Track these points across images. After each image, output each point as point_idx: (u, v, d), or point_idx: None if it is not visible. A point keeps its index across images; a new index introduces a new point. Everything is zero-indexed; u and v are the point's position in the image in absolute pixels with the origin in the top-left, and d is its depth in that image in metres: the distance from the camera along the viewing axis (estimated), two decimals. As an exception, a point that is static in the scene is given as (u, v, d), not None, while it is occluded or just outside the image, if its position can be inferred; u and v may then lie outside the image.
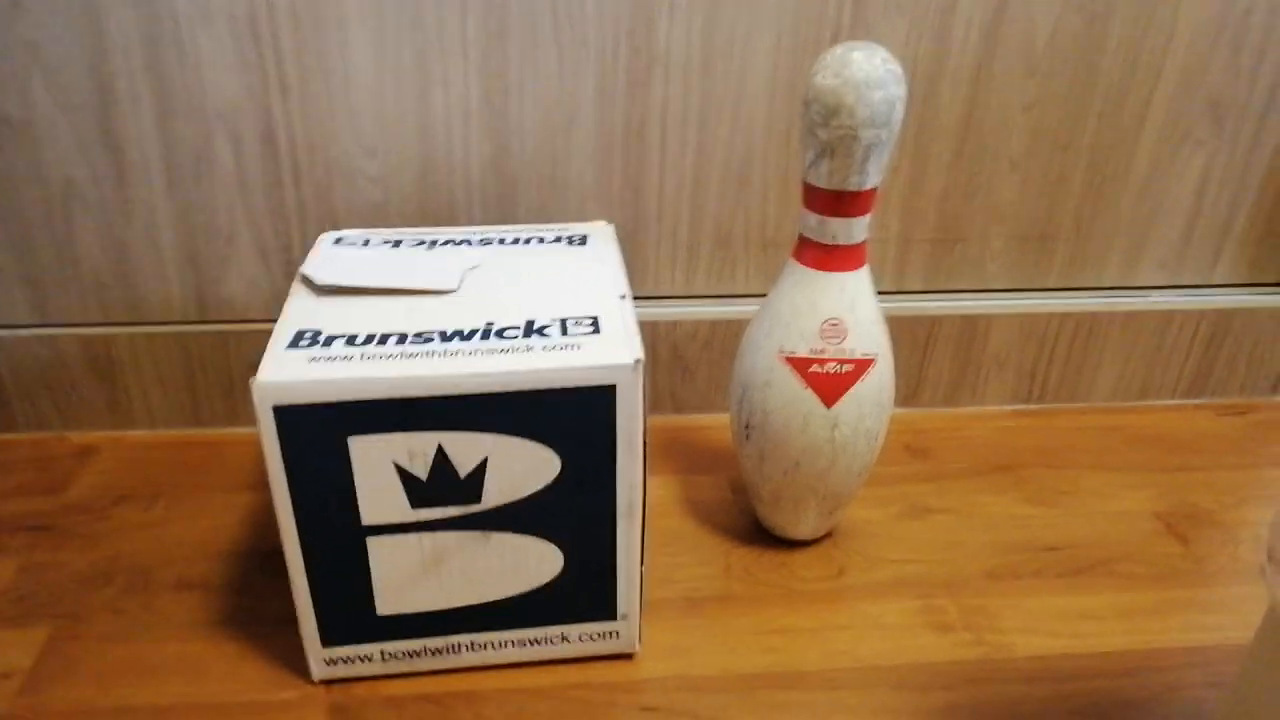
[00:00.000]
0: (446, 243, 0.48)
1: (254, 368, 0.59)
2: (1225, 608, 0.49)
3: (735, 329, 0.62)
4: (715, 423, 0.64)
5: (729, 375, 0.63)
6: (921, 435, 0.63)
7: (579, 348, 0.38)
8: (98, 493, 0.56)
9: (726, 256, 0.61)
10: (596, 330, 0.40)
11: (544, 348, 0.38)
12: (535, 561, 0.42)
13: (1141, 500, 0.58)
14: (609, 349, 0.38)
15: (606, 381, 0.38)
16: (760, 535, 0.54)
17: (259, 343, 0.59)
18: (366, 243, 0.48)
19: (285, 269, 0.58)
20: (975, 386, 0.65)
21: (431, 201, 0.57)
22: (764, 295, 0.62)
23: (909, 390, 0.65)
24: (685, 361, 0.63)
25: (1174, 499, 0.58)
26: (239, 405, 0.62)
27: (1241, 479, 0.60)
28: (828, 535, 0.54)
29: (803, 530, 0.52)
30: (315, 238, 0.57)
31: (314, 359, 0.37)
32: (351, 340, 0.39)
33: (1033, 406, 0.67)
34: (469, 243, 0.48)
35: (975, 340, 0.63)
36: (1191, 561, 0.53)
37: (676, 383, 0.63)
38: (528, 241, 0.48)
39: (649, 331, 0.61)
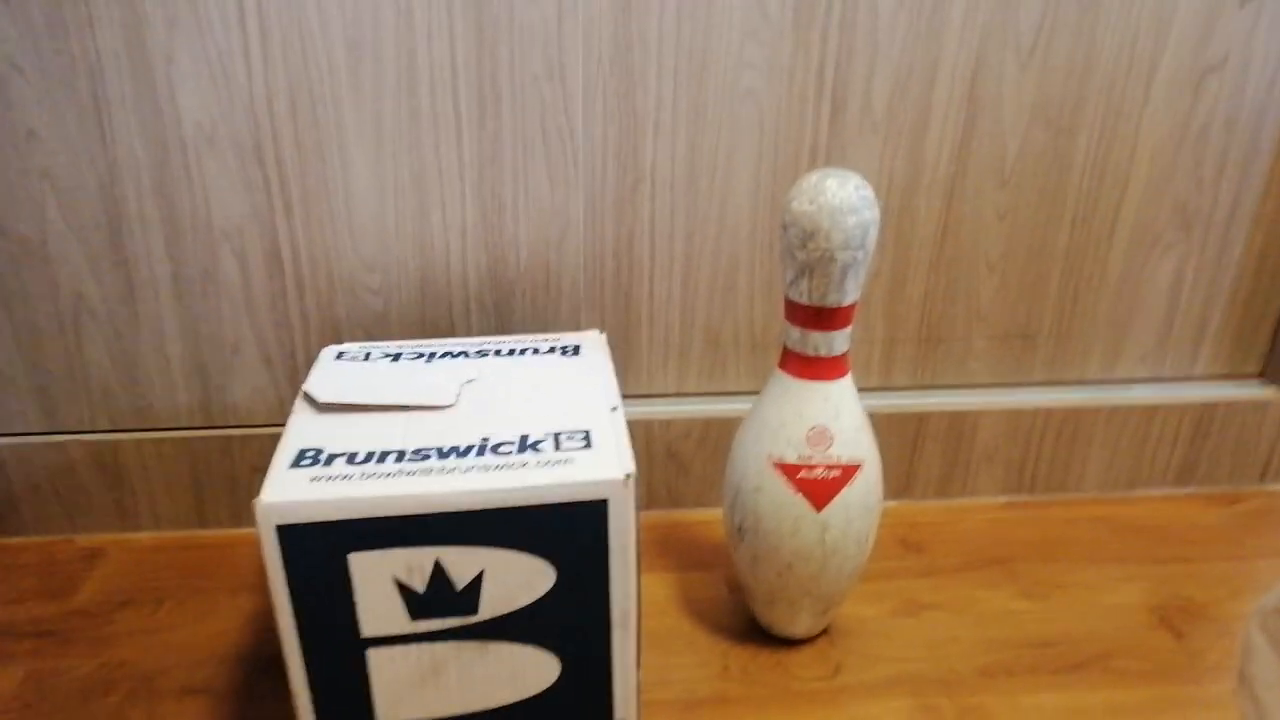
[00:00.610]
0: (445, 355, 0.50)
1: (260, 471, 0.61)
2: (1221, 704, 0.49)
3: (728, 426, 0.63)
4: (711, 517, 0.65)
5: (724, 471, 0.64)
6: (916, 528, 0.64)
7: (571, 463, 0.40)
8: (104, 597, 0.57)
9: (717, 357, 0.62)
10: (588, 444, 0.41)
11: (538, 463, 0.40)
12: (532, 670, 0.43)
13: (1134, 593, 0.58)
14: (601, 464, 0.40)
15: (598, 496, 0.39)
16: (757, 633, 0.54)
17: (263, 446, 0.61)
18: (368, 356, 0.50)
19: (289, 376, 0.60)
20: (966, 479, 0.67)
21: (431, 312, 0.59)
22: (755, 392, 0.63)
23: (900, 484, 0.66)
24: (680, 458, 0.64)
25: (1166, 592, 0.58)
26: (244, 507, 0.63)
27: (1233, 570, 0.60)
28: (824, 633, 0.54)
29: (798, 629, 0.52)
30: (319, 346, 0.59)
31: (315, 478, 0.39)
32: (352, 459, 0.40)
33: (1024, 497, 0.68)
34: (466, 354, 0.50)
35: (964, 435, 0.65)
36: (1185, 656, 0.53)
37: (672, 479, 0.65)
38: (523, 352, 0.50)
39: (644, 430, 0.62)
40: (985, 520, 0.65)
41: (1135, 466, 0.67)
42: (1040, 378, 0.65)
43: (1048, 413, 0.65)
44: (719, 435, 0.63)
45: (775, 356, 0.63)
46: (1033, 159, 0.59)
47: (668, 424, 0.63)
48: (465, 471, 0.39)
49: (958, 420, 0.64)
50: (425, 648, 0.41)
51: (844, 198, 0.41)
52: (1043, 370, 0.65)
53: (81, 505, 0.62)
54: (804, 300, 0.44)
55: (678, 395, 0.63)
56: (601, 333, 0.53)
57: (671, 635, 0.54)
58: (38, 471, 0.60)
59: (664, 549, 0.62)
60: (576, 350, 0.50)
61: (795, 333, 0.45)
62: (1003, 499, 0.68)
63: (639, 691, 0.44)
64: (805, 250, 0.42)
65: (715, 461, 0.64)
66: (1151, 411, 0.65)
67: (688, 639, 0.54)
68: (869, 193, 0.41)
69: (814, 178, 0.42)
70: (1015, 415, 0.64)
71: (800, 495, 0.47)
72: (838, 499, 0.47)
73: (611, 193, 0.57)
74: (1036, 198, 0.60)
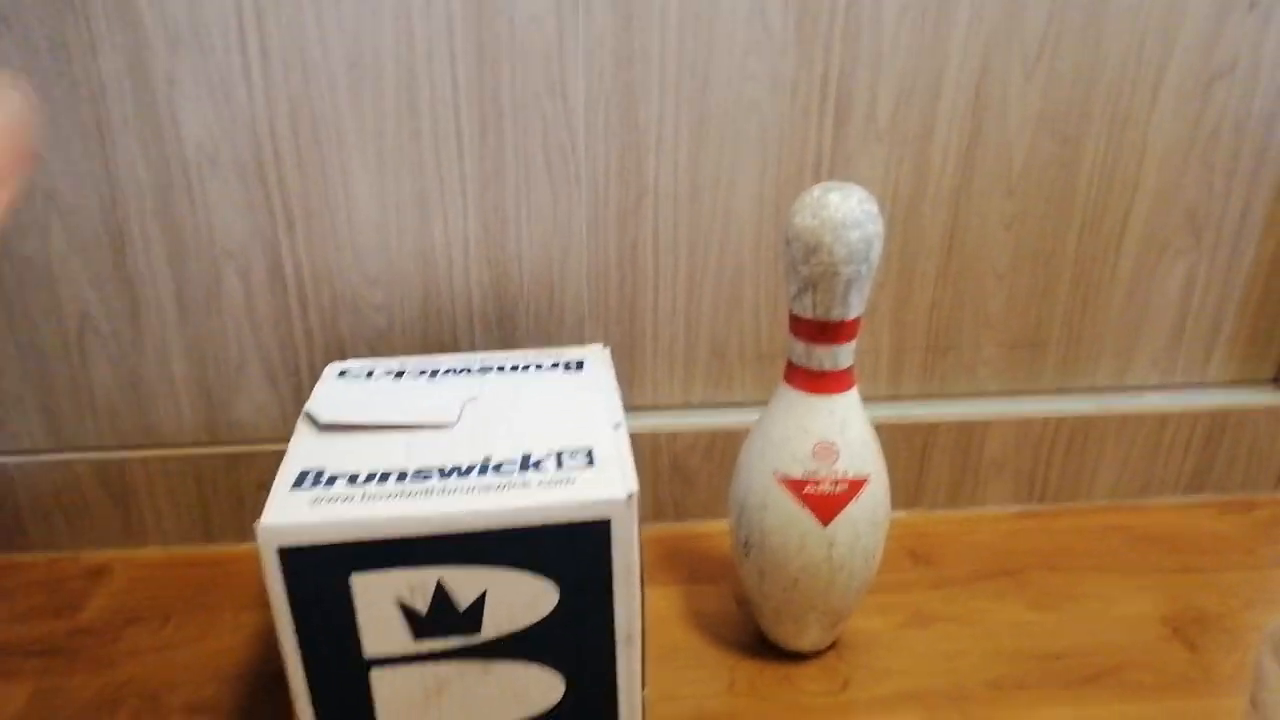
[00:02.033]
0: (448, 372, 0.49)
1: (265, 486, 0.61)
2: (1236, 718, 0.49)
3: (735, 437, 0.63)
4: (718, 529, 0.65)
5: (729, 483, 0.64)
6: (924, 540, 0.64)
7: (574, 482, 0.39)
8: (110, 614, 0.57)
9: (723, 368, 0.62)
10: (591, 463, 0.41)
11: (540, 483, 0.39)
12: (536, 689, 0.42)
13: (1146, 604, 0.57)
14: (603, 483, 0.39)
15: (601, 516, 0.39)
16: (764, 647, 0.54)
17: (268, 463, 0.61)
18: (370, 374, 0.50)
19: (294, 392, 0.60)
20: (975, 489, 0.66)
21: (434, 327, 0.59)
22: (762, 402, 0.63)
23: (909, 495, 0.66)
24: (686, 471, 0.63)
25: (1180, 602, 0.58)
26: (249, 523, 0.63)
27: (1247, 580, 0.60)
28: (831, 647, 0.54)
29: (806, 643, 0.52)
30: (323, 362, 0.59)
31: (317, 500, 0.39)
32: (353, 480, 0.40)
33: (1034, 507, 0.67)
34: (469, 371, 0.50)
35: (973, 445, 0.64)
36: (1199, 669, 0.52)
37: (679, 491, 0.64)
38: (526, 369, 0.50)
39: (650, 442, 0.62)
40: (995, 531, 0.65)
41: (1147, 474, 0.67)
42: (1050, 386, 0.65)
43: (1058, 421, 0.64)
44: (725, 446, 0.63)
45: (781, 366, 0.62)
46: (1039, 167, 0.58)
47: (674, 436, 0.62)
48: (467, 492, 0.39)
49: (967, 430, 0.64)
50: (428, 667, 0.41)
51: (847, 212, 0.40)
52: (1053, 378, 0.64)
53: (87, 522, 0.62)
54: (808, 315, 0.43)
55: (684, 406, 0.63)
56: (605, 347, 0.53)
57: (678, 649, 0.54)
58: (44, 489, 0.61)
59: (670, 562, 0.62)
60: (580, 365, 0.50)
61: (800, 347, 0.45)
62: (1013, 509, 0.67)
63: (645, 709, 0.44)
64: (808, 265, 0.42)
65: (722, 473, 0.64)
66: (1163, 419, 0.65)
67: (694, 653, 0.54)
68: (872, 206, 0.41)
69: (816, 192, 0.41)
70: (1025, 424, 0.64)
71: (806, 510, 0.46)
72: (844, 514, 0.46)
73: (615, 207, 0.57)
74: (1044, 205, 0.59)
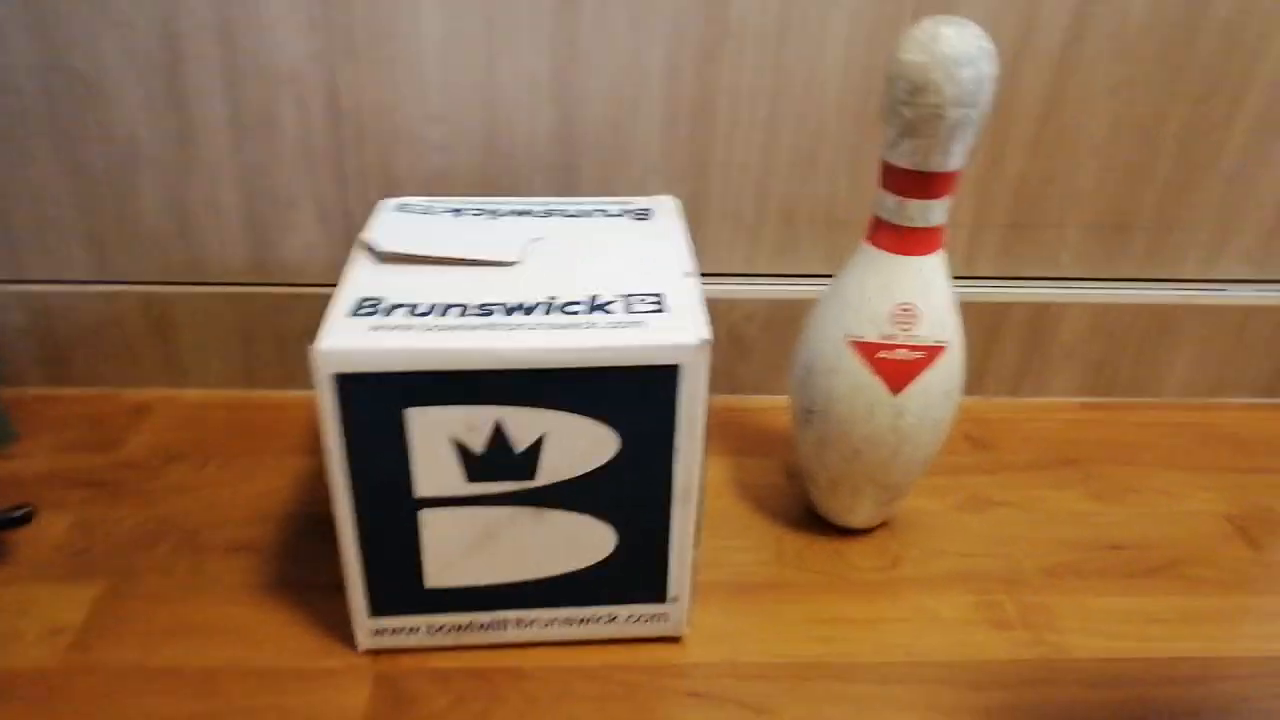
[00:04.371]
0: (509, 213, 0.47)
1: (309, 333, 0.59)
2: (1300, 619, 0.47)
3: (796, 310, 0.60)
4: (771, 405, 0.63)
5: (787, 357, 0.62)
6: (984, 425, 0.62)
7: (644, 325, 0.37)
8: (151, 451, 0.57)
9: (790, 235, 0.59)
10: (661, 308, 0.39)
11: (608, 324, 0.37)
12: (587, 540, 0.41)
13: (1212, 501, 0.56)
14: (675, 328, 0.37)
15: (671, 361, 0.37)
16: (813, 522, 0.53)
17: (315, 307, 0.59)
18: (428, 210, 0.47)
19: (344, 234, 0.58)
20: (1042, 376, 0.64)
21: (494, 170, 0.56)
22: (828, 276, 0.60)
23: (973, 378, 0.63)
24: (743, 342, 0.61)
25: (1246, 502, 0.56)
26: (293, 368, 0.62)
27: (1318, 484, 0.58)
28: (883, 525, 0.53)
29: (858, 519, 0.51)
30: (376, 204, 0.56)
31: (376, 327, 0.37)
32: (413, 310, 0.38)
33: (1101, 399, 0.65)
34: (531, 213, 0.47)
35: (1045, 329, 0.61)
36: (1262, 567, 0.51)
37: (733, 363, 0.62)
38: (591, 214, 0.47)
39: (707, 310, 0.60)
40: (1059, 420, 0.63)
41: (1222, 373, 0.64)
42: (1132, 273, 0.61)
43: (1136, 309, 0.61)
44: (786, 319, 0.60)
45: (853, 238, 0.59)
46: (1161, 25, 0.53)
47: (731, 304, 0.60)
48: (532, 329, 0.37)
49: (1040, 313, 0.61)
50: (479, 511, 0.40)
51: (961, 47, 0.37)
52: (1137, 265, 0.61)
53: (130, 359, 0.61)
54: (904, 164, 0.40)
55: (745, 275, 0.60)
56: (675, 199, 0.50)
57: (725, 518, 0.53)
58: (86, 322, 0.59)
59: (721, 433, 0.60)
60: (648, 214, 0.48)
61: (890, 200, 0.42)
62: (1078, 400, 0.65)
63: (695, 570, 0.43)
64: (912, 106, 0.38)
65: (780, 346, 0.61)
66: (1247, 314, 0.61)
67: (742, 522, 0.53)
68: (988, 44, 0.37)
69: (928, 24, 0.38)
70: (1102, 310, 0.61)
71: (877, 377, 0.44)
72: (917, 382, 0.44)
73: (693, 46, 0.53)
74: (1156, 70, 0.54)
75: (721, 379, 0.63)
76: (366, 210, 0.57)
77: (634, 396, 0.38)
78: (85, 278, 0.59)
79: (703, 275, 0.60)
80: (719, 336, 0.61)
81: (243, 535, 0.50)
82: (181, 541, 0.50)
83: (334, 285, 0.41)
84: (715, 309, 0.60)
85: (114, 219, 0.57)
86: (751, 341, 0.61)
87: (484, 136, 0.55)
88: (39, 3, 0.51)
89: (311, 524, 0.51)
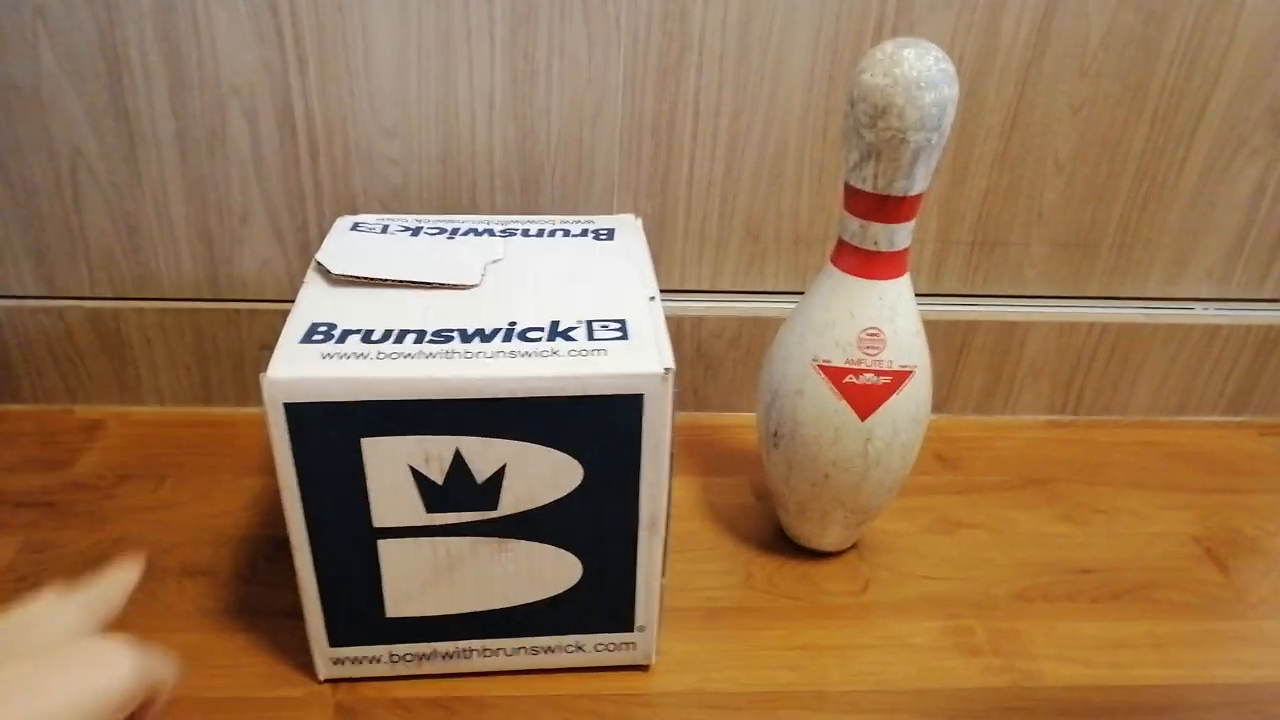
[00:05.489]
0: (468, 232, 0.46)
1: (266, 348, 0.58)
2: (1268, 642, 0.47)
3: (763, 327, 0.59)
4: (738, 422, 0.62)
5: (755, 374, 0.61)
6: (953, 444, 0.61)
7: (606, 353, 0.36)
8: (103, 470, 0.55)
9: (756, 252, 0.58)
10: (624, 335, 0.38)
11: (569, 352, 0.36)
12: (552, 570, 0.40)
13: (1180, 522, 0.55)
14: (637, 356, 0.36)
15: (634, 390, 0.36)
16: (783, 544, 0.52)
17: (272, 322, 0.58)
18: (385, 229, 0.46)
19: (300, 250, 0.56)
20: (1009, 395, 0.63)
21: (453, 186, 0.55)
22: (795, 293, 0.59)
23: (940, 397, 0.63)
24: (710, 359, 0.61)
25: (1214, 522, 0.56)
26: (249, 385, 0.60)
27: (1283, 503, 0.58)
28: (853, 547, 0.52)
29: (828, 542, 0.50)
30: (332, 219, 0.55)
31: (327, 355, 0.36)
32: (367, 336, 0.37)
33: (1067, 418, 0.64)
34: (491, 233, 0.46)
35: (1011, 348, 0.61)
36: (1232, 591, 0.51)
37: (700, 380, 0.61)
38: (553, 234, 0.46)
39: (673, 326, 0.59)
40: (1027, 439, 0.62)
41: (1187, 391, 0.64)
42: (1097, 291, 0.61)
43: (1102, 328, 0.61)
44: (753, 336, 0.60)
45: (819, 255, 0.59)
46: (1118, 46, 0.53)
47: (699, 321, 0.59)
48: (491, 357, 0.36)
49: (1007, 330, 0.61)
50: (440, 542, 0.39)
51: (922, 70, 0.36)
52: (1101, 283, 0.61)
53: (81, 375, 0.59)
54: (867, 187, 0.40)
55: (711, 291, 0.60)
56: (637, 217, 0.49)
57: (694, 540, 0.52)
58: (35, 338, 0.58)
59: (688, 452, 0.59)
60: (610, 234, 0.47)
61: (854, 224, 0.41)
62: (1045, 418, 0.64)
63: (663, 598, 0.42)
64: (874, 130, 0.38)
65: (747, 364, 0.61)
66: (1211, 333, 0.61)
67: (710, 545, 0.52)
68: (950, 66, 0.37)
69: (889, 47, 0.37)
70: (1068, 329, 0.61)
71: (844, 402, 0.44)
72: (884, 408, 0.44)
73: (654, 62, 0.52)
74: (1117, 90, 0.54)
75: (688, 396, 0.62)
76: (323, 225, 0.56)
77: (597, 426, 0.37)
78: (32, 293, 0.57)
79: (668, 292, 0.59)
80: (685, 354, 0.60)
81: (199, 558, 0.49)
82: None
83: (290, 300, 0.40)
84: (682, 326, 0.59)
85: (60, 233, 0.55)
86: (718, 359, 0.61)
87: (440, 152, 0.54)
88: (-24, 11, 0.49)
89: (270, 547, 0.50)
